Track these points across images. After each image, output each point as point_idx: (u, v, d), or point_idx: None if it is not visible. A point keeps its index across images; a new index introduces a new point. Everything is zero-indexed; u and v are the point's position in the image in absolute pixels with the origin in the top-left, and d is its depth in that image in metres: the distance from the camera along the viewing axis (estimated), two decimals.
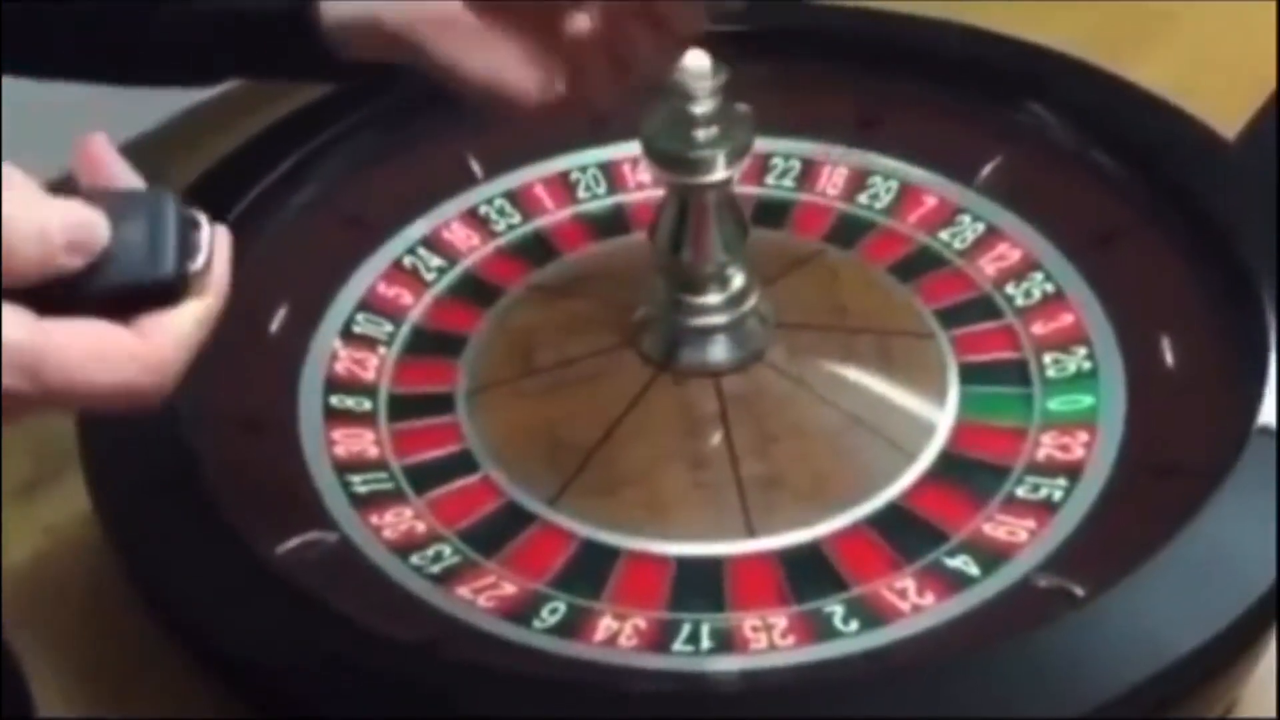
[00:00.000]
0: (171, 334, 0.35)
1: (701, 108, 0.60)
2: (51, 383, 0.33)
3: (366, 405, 0.66)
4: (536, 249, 0.73)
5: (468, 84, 0.54)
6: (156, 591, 0.57)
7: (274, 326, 0.69)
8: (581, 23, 0.50)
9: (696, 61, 0.60)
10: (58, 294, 0.33)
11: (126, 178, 0.37)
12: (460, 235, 0.74)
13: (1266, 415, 0.58)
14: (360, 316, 0.70)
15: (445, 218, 0.75)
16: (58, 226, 0.33)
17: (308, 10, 0.54)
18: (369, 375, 0.67)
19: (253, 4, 0.54)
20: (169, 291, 0.35)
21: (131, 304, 0.34)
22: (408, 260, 0.73)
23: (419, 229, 0.74)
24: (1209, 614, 0.52)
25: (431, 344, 0.69)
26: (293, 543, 0.59)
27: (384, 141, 0.77)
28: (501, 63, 0.53)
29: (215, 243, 0.36)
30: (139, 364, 0.34)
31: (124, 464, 0.61)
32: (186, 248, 0.35)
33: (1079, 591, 0.56)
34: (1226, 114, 0.76)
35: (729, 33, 0.77)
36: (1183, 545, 0.54)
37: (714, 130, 0.61)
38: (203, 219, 0.36)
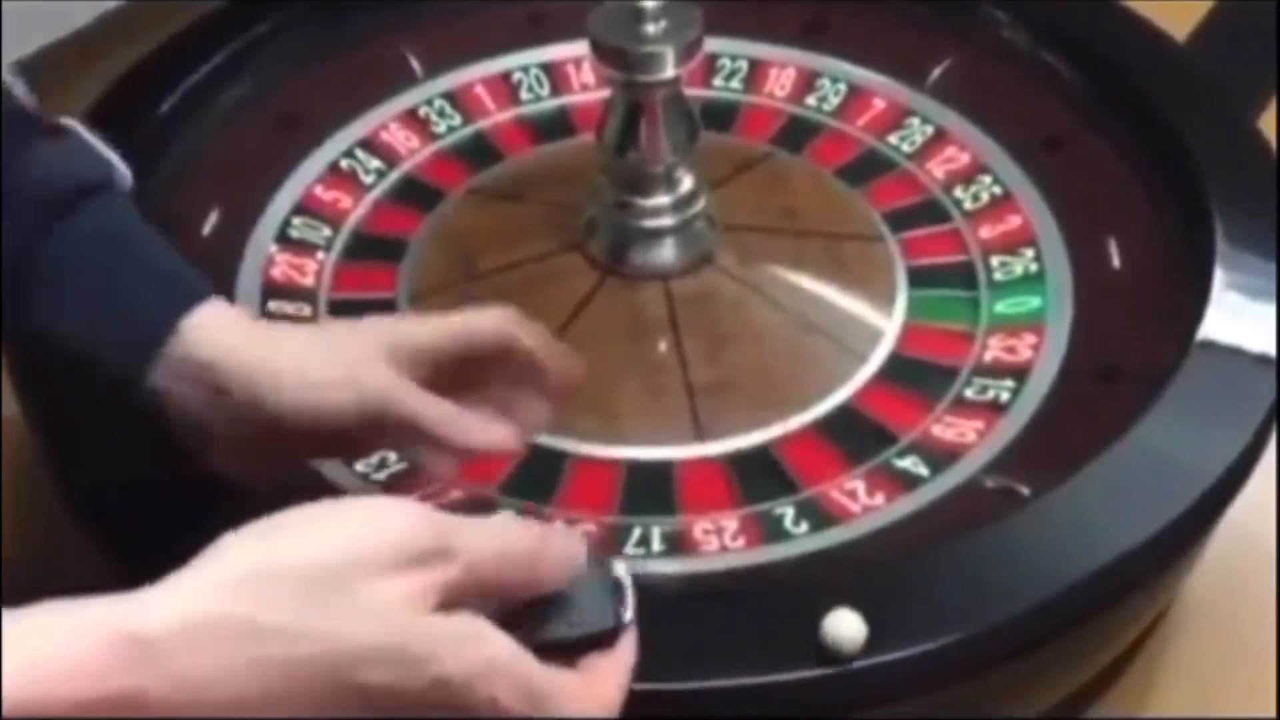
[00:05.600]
0: (614, 677, 0.41)
1: (650, 1, 0.58)
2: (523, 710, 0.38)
3: (306, 311, 0.64)
4: (478, 151, 0.71)
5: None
6: (76, 487, 0.55)
7: (206, 230, 0.67)
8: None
9: None
10: (515, 638, 0.39)
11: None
12: (399, 137, 0.72)
13: (1209, 322, 0.58)
14: (297, 220, 0.68)
15: (384, 118, 0.72)
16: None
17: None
18: (308, 281, 0.65)
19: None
20: (609, 638, 0.42)
21: (577, 650, 0.41)
22: (345, 163, 0.70)
23: (356, 130, 0.72)
24: (1149, 514, 0.53)
25: (371, 249, 0.67)
26: None
27: (319, 37, 0.74)
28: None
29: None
30: (591, 702, 0.40)
31: (56, 381, 0.59)
32: (618, 599, 0.42)
33: (1025, 491, 0.56)
34: (1177, 16, 0.75)
35: None
36: (1125, 448, 0.55)
37: (663, 25, 0.59)
38: (623, 573, 0.43)
